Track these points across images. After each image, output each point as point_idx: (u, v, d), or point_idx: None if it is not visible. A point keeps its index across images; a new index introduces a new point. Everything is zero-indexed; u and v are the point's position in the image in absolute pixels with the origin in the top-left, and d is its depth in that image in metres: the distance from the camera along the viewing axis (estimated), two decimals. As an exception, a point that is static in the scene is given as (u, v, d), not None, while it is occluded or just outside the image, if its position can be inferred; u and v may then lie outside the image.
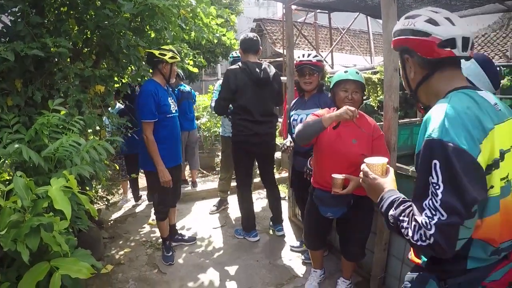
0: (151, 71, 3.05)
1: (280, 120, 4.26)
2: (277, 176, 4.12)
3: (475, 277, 1.07)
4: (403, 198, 1.12)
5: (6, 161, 1.92)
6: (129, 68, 3.26)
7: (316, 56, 2.77)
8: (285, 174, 5.10)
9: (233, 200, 4.40)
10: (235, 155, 3.36)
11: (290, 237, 3.49)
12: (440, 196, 0.94)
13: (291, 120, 2.91)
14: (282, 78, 3.50)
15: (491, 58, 3.10)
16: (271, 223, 3.66)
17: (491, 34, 13.40)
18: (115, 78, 3.09)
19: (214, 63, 9.89)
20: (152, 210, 4.32)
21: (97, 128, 2.99)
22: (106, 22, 2.51)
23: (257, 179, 4.45)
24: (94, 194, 3.41)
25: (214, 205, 4.25)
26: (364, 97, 2.83)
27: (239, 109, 3.17)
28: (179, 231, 3.51)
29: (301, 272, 2.91)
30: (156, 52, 2.77)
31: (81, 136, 2.19)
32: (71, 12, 2.65)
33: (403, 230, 1.02)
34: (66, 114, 2.23)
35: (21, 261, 1.29)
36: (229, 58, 4.00)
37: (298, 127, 2.25)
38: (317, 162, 2.37)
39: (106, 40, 2.66)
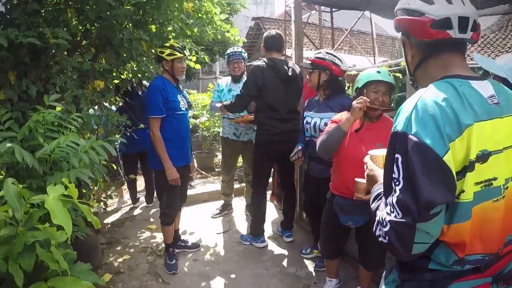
0: (151, 67, 2.97)
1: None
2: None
3: (438, 278, 0.96)
4: None
5: (-3, 161, 1.72)
6: (129, 63, 3.08)
7: (319, 53, 2.72)
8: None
9: (236, 204, 4.24)
10: (256, 157, 3.23)
11: (298, 242, 3.32)
12: (397, 193, 0.88)
13: (304, 123, 2.78)
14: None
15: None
16: (279, 228, 3.50)
17: (490, 35, 13.32)
18: (114, 74, 2.93)
19: (211, 61, 9.69)
20: (151, 213, 4.13)
21: (95, 126, 2.81)
22: (108, 13, 2.33)
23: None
24: (92, 197, 3.21)
25: (217, 209, 4.06)
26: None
27: (265, 107, 3.04)
28: (181, 237, 3.32)
29: (314, 280, 2.74)
30: (157, 50, 2.78)
31: (79, 135, 2.00)
32: (70, 3, 2.46)
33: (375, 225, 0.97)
34: (62, 110, 2.03)
35: (14, 284, 1.08)
36: (225, 56, 3.77)
37: (320, 140, 2.15)
38: (337, 168, 2.22)
39: (107, 32, 2.49)
